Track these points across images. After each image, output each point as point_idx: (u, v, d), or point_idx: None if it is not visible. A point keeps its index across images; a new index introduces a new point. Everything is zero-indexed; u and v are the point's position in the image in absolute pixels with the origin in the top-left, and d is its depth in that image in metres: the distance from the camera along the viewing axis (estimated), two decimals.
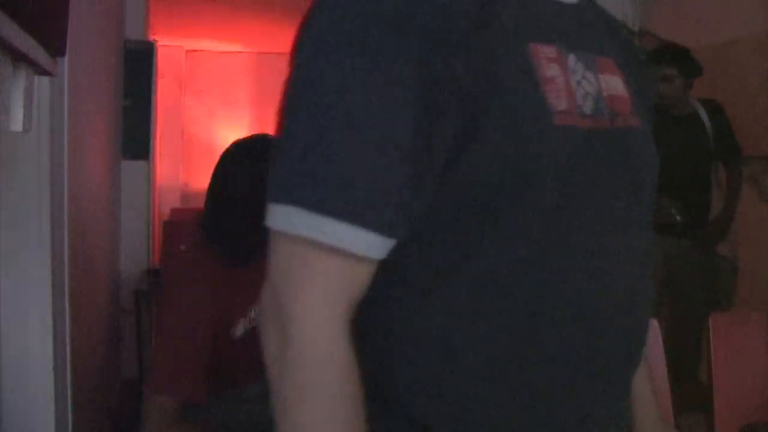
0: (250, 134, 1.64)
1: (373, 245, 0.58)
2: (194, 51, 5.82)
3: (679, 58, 2.64)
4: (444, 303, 0.62)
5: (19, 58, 1.08)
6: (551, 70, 0.63)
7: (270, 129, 1.76)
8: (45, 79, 1.28)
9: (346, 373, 0.58)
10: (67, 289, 1.48)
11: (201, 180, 5.81)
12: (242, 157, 1.55)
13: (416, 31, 0.58)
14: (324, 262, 0.58)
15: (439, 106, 0.58)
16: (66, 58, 1.38)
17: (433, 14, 0.59)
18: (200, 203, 1.64)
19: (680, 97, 2.66)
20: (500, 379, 0.63)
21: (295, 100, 0.61)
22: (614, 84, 0.70)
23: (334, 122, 0.58)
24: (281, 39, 5.50)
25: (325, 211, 0.56)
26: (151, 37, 3.39)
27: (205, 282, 1.47)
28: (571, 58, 0.65)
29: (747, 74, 2.93)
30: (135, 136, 3.12)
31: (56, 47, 1.25)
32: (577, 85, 0.65)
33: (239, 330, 1.53)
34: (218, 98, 5.88)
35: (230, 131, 5.52)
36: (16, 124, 1.15)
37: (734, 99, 2.74)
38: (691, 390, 2.32)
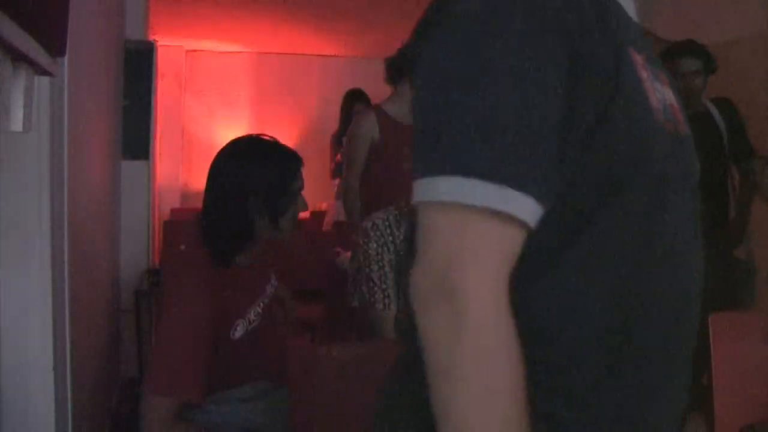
0: (244, 134, 1.65)
1: (535, 213, 0.60)
2: (194, 51, 5.82)
3: (700, 52, 2.60)
4: (564, 279, 0.65)
5: (19, 58, 1.08)
6: (643, 74, 0.70)
7: (268, 128, 1.78)
8: (45, 79, 1.28)
9: (517, 348, 0.58)
10: (67, 289, 1.48)
11: (201, 180, 5.75)
12: (234, 157, 1.56)
13: (559, 14, 0.63)
14: (495, 232, 0.58)
15: (583, 83, 0.63)
16: (66, 58, 1.38)
17: (567, 3, 0.64)
18: (200, 203, 1.66)
19: (700, 94, 2.62)
20: (612, 352, 0.66)
21: (452, 77, 0.62)
22: (670, 95, 0.76)
23: (499, 95, 0.60)
24: (281, 39, 5.51)
25: (499, 180, 0.58)
26: (151, 37, 3.39)
27: (205, 282, 1.47)
28: (647, 68, 0.72)
29: (747, 74, 2.93)
30: (135, 136, 3.12)
31: (56, 47, 1.25)
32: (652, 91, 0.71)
33: (238, 331, 1.54)
34: (218, 98, 5.88)
35: (230, 131, 5.52)
36: (16, 124, 1.15)
37: (734, 99, 2.74)
38: (691, 390, 2.32)
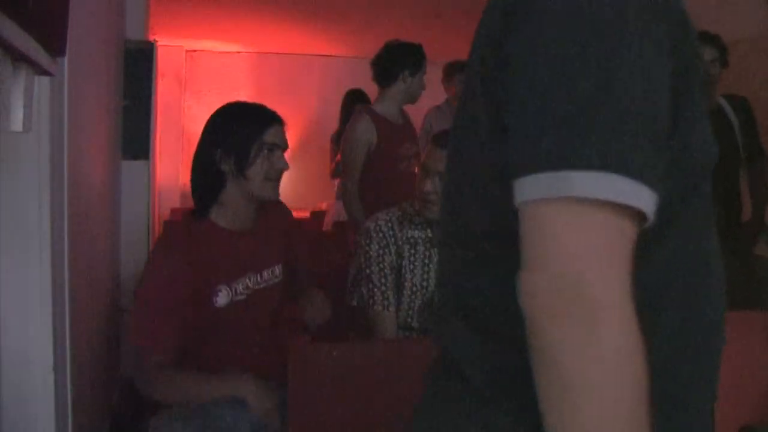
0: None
1: (654, 209, 0.56)
2: (194, 51, 5.81)
3: (717, 42, 2.58)
4: (651, 274, 0.64)
5: (19, 58, 1.08)
6: None
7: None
8: (45, 79, 1.28)
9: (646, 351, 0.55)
10: (67, 289, 1.48)
11: None
12: (213, 115, 1.70)
13: (666, 7, 0.61)
14: (625, 229, 0.55)
15: (685, 78, 0.61)
16: (66, 58, 1.38)
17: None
18: None
19: (716, 85, 2.59)
20: (681, 357, 0.67)
21: (571, 67, 0.57)
22: None
23: (626, 86, 0.56)
24: (281, 39, 5.51)
25: (632, 173, 0.54)
26: (151, 37, 3.39)
27: (184, 241, 1.59)
28: None
29: (748, 74, 2.93)
30: (135, 136, 3.11)
31: (56, 47, 1.25)
32: None
33: (222, 299, 1.59)
34: (218, 98, 5.84)
35: None
36: (16, 124, 1.15)
37: None
38: None
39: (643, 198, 0.55)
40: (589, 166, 0.54)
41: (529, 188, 0.56)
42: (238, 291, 1.64)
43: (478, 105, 0.68)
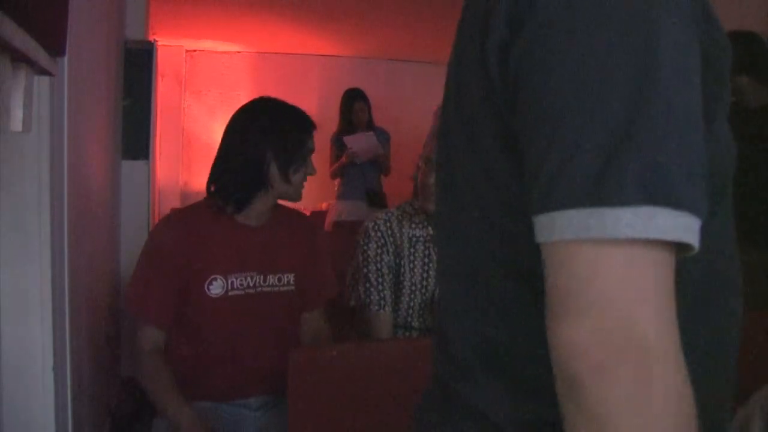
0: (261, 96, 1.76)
1: None
2: (194, 51, 5.82)
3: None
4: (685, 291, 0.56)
5: (19, 58, 1.08)
6: None
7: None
8: (45, 79, 1.28)
9: None
10: (67, 289, 1.48)
11: (201, 180, 5.79)
12: (255, 111, 1.69)
13: (689, 6, 0.54)
14: (669, 265, 0.48)
15: (710, 80, 0.55)
16: (66, 58, 1.38)
17: None
18: None
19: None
20: (711, 364, 0.65)
21: (611, 77, 0.49)
22: None
23: (674, 100, 0.49)
24: (281, 39, 5.51)
25: (684, 206, 0.47)
26: (151, 37, 3.39)
27: (190, 226, 1.61)
28: None
29: None
30: (135, 136, 3.11)
31: (56, 47, 1.25)
32: None
33: (215, 288, 1.59)
34: (218, 98, 5.87)
35: None
36: (16, 124, 1.15)
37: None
38: None
39: (693, 230, 0.48)
40: (633, 200, 0.47)
41: (560, 226, 0.49)
42: (235, 285, 1.61)
43: (478, 122, 0.61)
